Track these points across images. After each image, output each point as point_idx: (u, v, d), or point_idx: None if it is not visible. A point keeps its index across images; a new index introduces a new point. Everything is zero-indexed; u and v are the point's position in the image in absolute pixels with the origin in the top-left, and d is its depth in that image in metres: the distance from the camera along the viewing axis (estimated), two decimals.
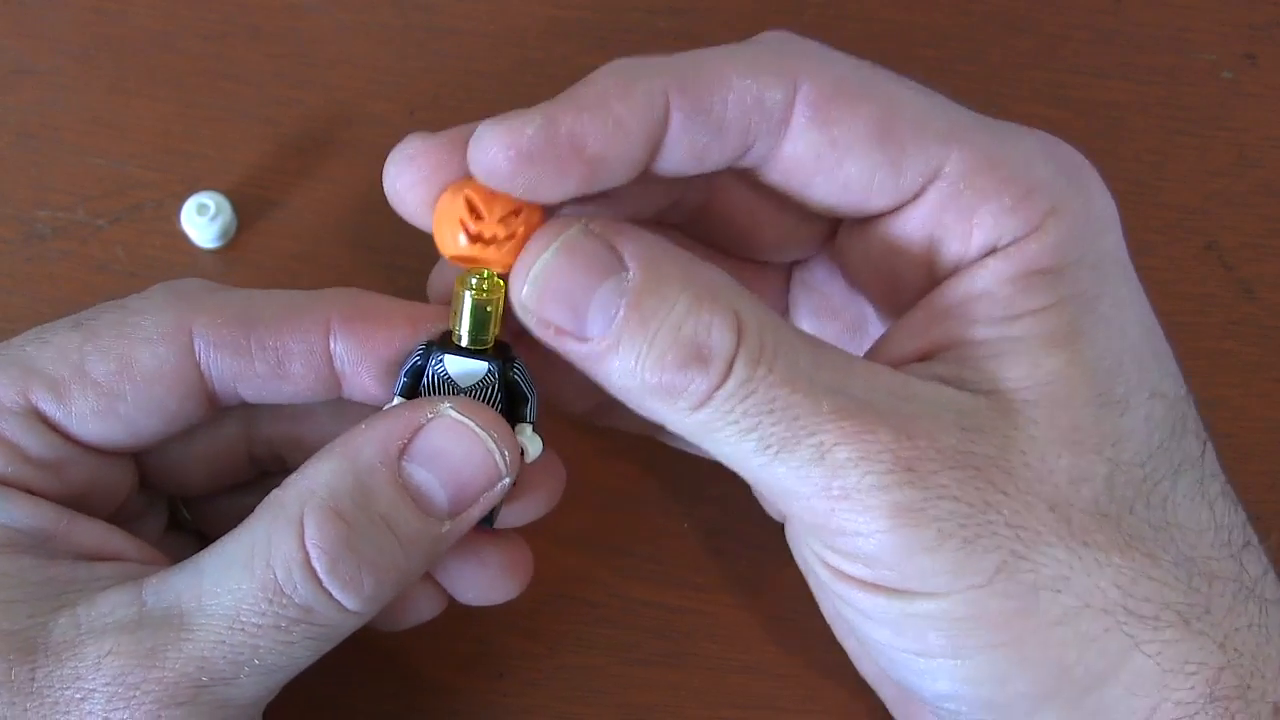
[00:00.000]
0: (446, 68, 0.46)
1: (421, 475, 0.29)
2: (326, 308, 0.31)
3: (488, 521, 0.31)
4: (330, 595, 0.28)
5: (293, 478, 0.29)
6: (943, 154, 0.28)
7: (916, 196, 0.29)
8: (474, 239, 0.28)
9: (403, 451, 0.29)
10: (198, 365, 0.30)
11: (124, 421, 0.30)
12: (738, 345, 0.27)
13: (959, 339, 0.28)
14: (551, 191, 0.28)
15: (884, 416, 0.27)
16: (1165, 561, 0.28)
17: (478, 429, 0.29)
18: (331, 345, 0.31)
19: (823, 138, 0.29)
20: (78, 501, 0.31)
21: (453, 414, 0.29)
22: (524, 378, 0.30)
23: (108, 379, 0.30)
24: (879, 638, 0.29)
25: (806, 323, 0.36)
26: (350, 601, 0.28)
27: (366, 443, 0.29)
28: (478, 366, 0.30)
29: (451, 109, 0.45)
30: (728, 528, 0.41)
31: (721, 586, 0.39)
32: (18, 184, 0.43)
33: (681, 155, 0.29)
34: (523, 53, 0.46)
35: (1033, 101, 0.46)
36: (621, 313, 0.27)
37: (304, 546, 0.28)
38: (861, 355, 0.30)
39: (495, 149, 0.27)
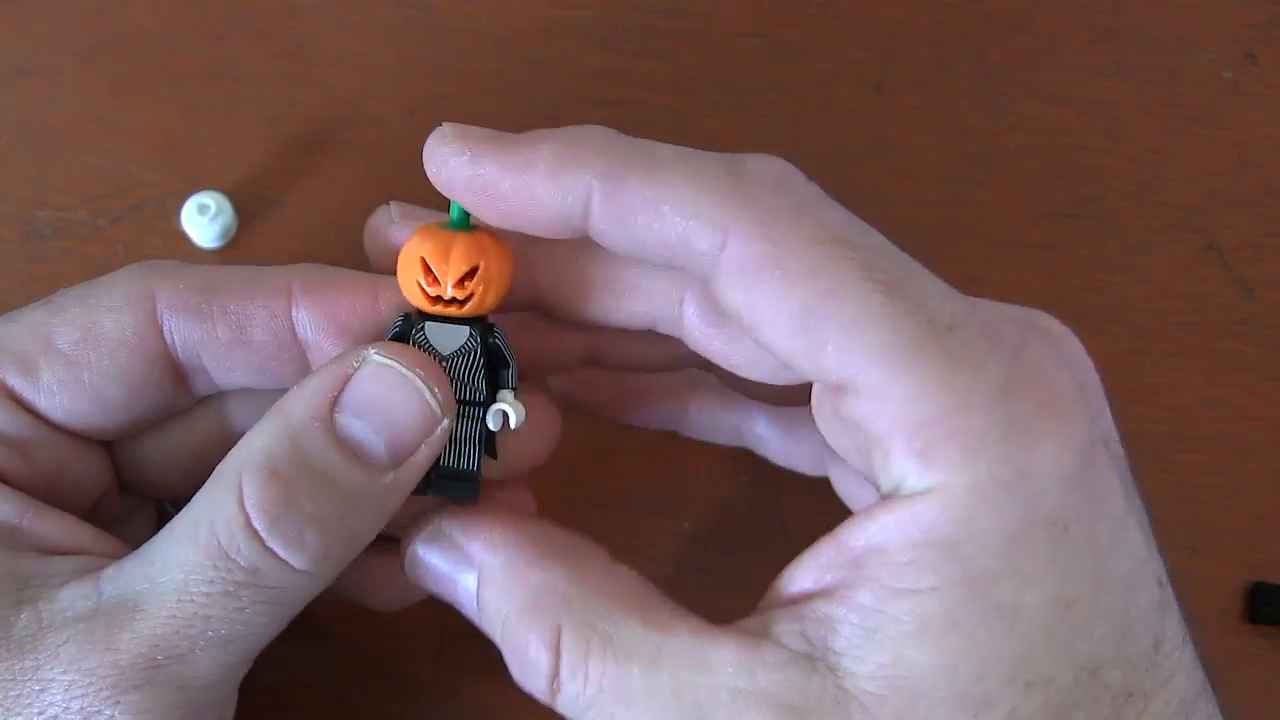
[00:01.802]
0: (446, 68, 0.46)
1: (355, 425, 0.29)
2: (288, 276, 0.31)
3: (490, 451, 0.31)
4: (275, 554, 0.28)
5: (233, 449, 0.29)
6: (862, 369, 0.27)
7: (842, 393, 0.28)
8: (434, 301, 0.29)
9: (334, 404, 0.29)
10: (160, 332, 0.30)
11: (89, 391, 0.30)
12: (556, 664, 0.28)
13: (847, 597, 0.27)
14: (485, 216, 0.29)
15: None
16: None
17: (404, 369, 0.29)
18: (294, 313, 0.31)
19: (743, 300, 0.28)
20: (47, 490, 0.31)
21: (378, 358, 0.29)
22: (504, 344, 0.30)
23: (73, 348, 0.30)
24: None
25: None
26: (296, 559, 0.28)
27: (298, 401, 0.29)
28: (459, 331, 0.30)
29: (451, 109, 0.45)
30: (728, 528, 0.41)
31: (721, 586, 0.39)
32: (18, 184, 0.44)
33: (606, 243, 0.29)
34: (523, 53, 0.46)
35: (1033, 101, 0.46)
36: (477, 611, 0.30)
37: (244, 509, 0.28)
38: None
39: (433, 163, 0.29)
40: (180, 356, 0.31)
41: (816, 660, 0.27)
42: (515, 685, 0.28)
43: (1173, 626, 0.28)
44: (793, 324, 0.27)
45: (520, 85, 0.45)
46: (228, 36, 0.46)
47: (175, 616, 0.27)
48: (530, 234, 0.29)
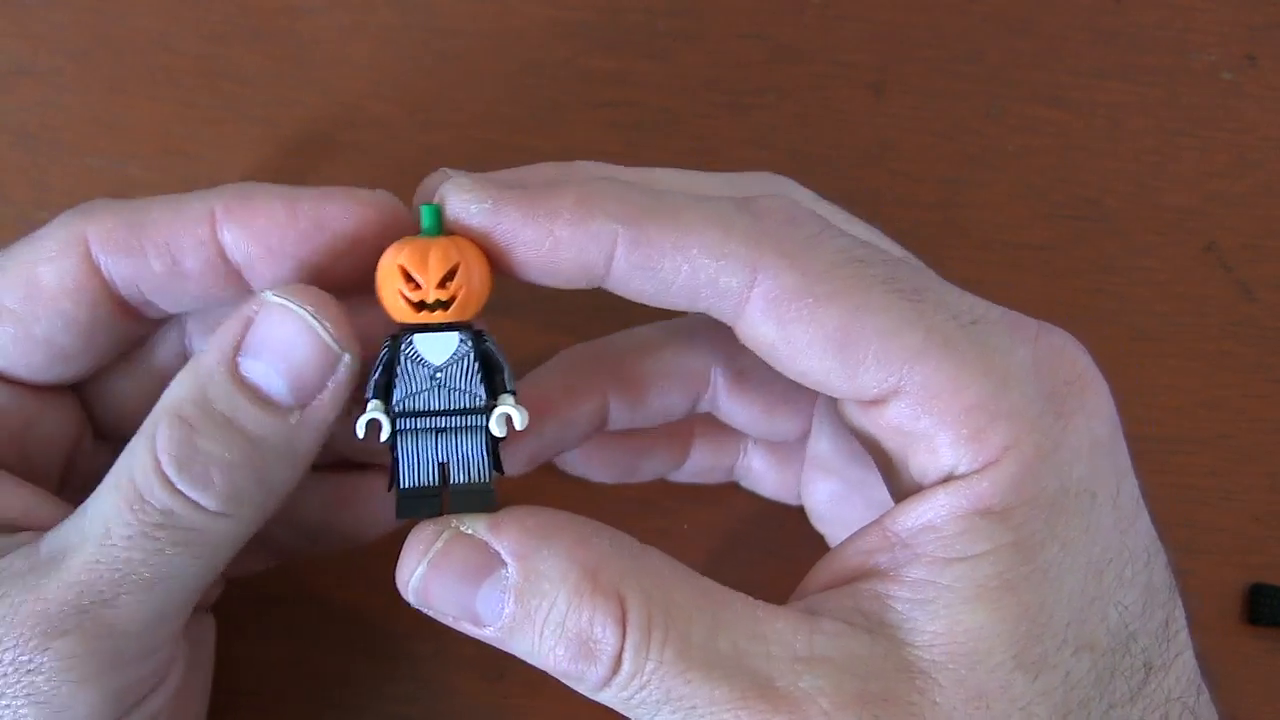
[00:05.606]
0: (446, 68, 0.46)
1: (257, 368, 0.29)
2: (211, 200, 0.31)
3: (496, 465, 0.30)
4: (184, 496, 0.28)
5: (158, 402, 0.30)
6: (905, 373, 0.28)
7: (882, 403, 0.29)
8: (417, 307, 0.29)
9: (238, 348, 0.29)
10: (99, 273, 0.31)
11: (43, 344, 0.31)
12: (622, 638, 0.27)
13: (898, 574, 0.28)
14: (505, 264, 0.30)
15: (782, 698, 0.27)
16: None
17: (294, 306, 0.29)
18: (221, 236, 0.31)
19: (778, 334, 0.29)
20: (18, 449, 0.31)
21: (271, 299, 0.29)
22: (495, 348, 0.30)
23: (19, 304, 0.31)
24: None
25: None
26: (206, 500, 0.29)
27: (208, 350, 0.30)
28: (449, 339, 0.30)
29: (451, 109, 0.45)
30: (728, 528, 0.41)
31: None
32: (18, 184, 0.44)
33: (627, 289, 0.30)
34: (523, 53, 0.46)
35: (1033, 101, 0.46)
36: (507, 609, 0.28)
37: (154, 454, 0.28)
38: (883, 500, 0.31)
39: (452, 208, 0.30)
40: (122, 293, 0.31)
41: (875, 633, 0.28)
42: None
43: (1179, 609, 0.30)
44: (829, 345, 0.28)
45: (520, 86, 0.45)
46: (227, 38, 0.46)
47: (99, 562, 0.28)
48: (546, 285, 0.30)
